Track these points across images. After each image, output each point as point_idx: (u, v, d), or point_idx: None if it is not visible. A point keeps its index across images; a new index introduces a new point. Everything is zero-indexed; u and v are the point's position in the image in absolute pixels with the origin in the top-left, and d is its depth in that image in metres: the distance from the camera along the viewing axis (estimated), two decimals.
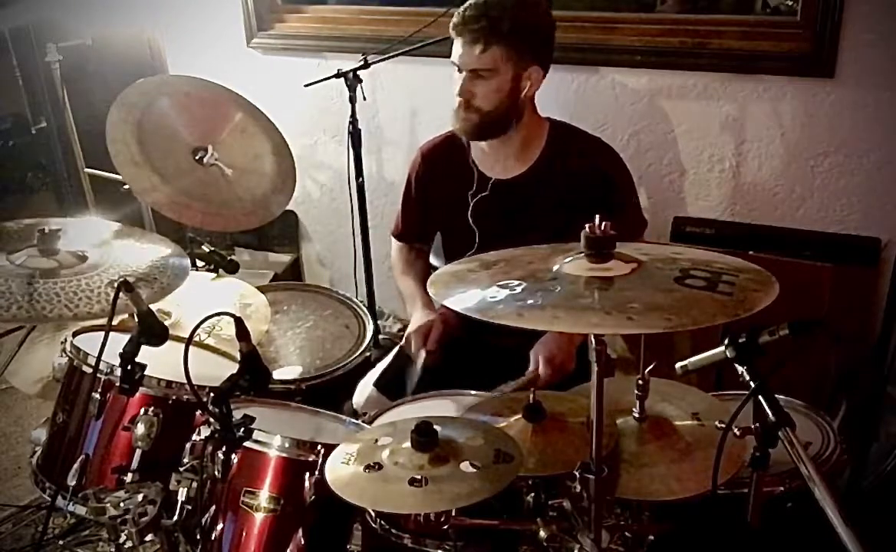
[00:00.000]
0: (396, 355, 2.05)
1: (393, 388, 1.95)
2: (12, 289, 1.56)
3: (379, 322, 3.05)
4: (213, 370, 1.58)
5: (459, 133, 2.02)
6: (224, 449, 1.44)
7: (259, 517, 1.48)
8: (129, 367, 1.43)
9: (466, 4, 1.93)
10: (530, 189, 2.05)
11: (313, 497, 1.47)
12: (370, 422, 1.71)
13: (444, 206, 2.16)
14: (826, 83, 2.32)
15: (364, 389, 1.97)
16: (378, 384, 1.96)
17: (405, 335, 2.05)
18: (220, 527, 1.51)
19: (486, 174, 2.08)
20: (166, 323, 1.73)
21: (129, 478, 1.60)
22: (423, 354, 1.97)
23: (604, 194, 1.99)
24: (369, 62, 2.57)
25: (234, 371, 1.42)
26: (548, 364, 1.89)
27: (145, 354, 1.45)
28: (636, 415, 1.47)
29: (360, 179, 2.68)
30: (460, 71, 1.95)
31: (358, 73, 2.57)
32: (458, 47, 1.93)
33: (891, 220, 2.36)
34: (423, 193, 2.21)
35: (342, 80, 2.57)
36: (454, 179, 2.12)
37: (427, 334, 2.00)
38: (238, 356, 1.42)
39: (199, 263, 2.25)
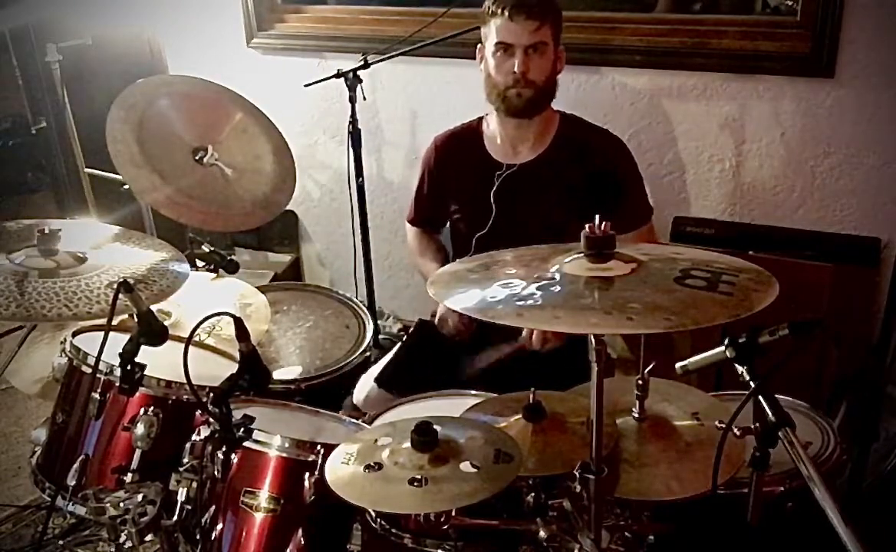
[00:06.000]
0: (398, 352, 2.06)
1: (395, 384, 1.96)
2: (11, 288, 1.56)
3: (379, 322, 3.05)
4: (213, 370, 1.58)
5: (511, 111, 2.07)
6: (224, 449, 1.44)
7: (259, 517, 1.48)
8: (128, 367, 1.43)
9: None
10: (540, 175, 2.11)
11: (313, 497, 1.47)
12: (370, 422, 1.71)
13: (462, 192, 2.21)
14: (826, 83, 2.32)
15: (365, 385, 1.98)
16: (379, 380, 1.97)
17: (438, 317, 2.09)
18: (219, 527, 1.51)
19: (499, 160, 2.14)
20: (166, 323, 1.73)
21: (128, 478, 1.60)
22: (459, 328, 2.02)
23: (611, 181, 2.07)
24: (369, 62, 2.57)
25: (234, 371, 1.42)
26: (542, 331, 1.92)
27: (145, 354, 1.45)
28: (636, 415, 1.47)
29: (360, 179, 2.68)
30: (506, 49, 2.01)
31: (358, 73, 2.57)
32: (510, 26, 1.99)
33: (891, 220, 2.36)
34: (437, 183, 2.27)
35: (342, 80, 2.57)
36: (472, 167, 2.18)
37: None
38: (238, 356, 1.42)
39: (199, 263, 2.25)
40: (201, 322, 1.37)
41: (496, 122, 2.15)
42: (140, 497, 1.55)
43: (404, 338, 2.13)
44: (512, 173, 2.13)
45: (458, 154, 2.23)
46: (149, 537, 1.55)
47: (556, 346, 1.94)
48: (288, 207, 2.44)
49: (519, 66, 2.00)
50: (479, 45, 2.11)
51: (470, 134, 2.22)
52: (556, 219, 2.00)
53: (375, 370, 2.02)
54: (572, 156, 2.11)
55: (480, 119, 2.22)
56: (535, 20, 1.99)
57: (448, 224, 2.30)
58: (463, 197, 2.22)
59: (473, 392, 1.80)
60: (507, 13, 1.99)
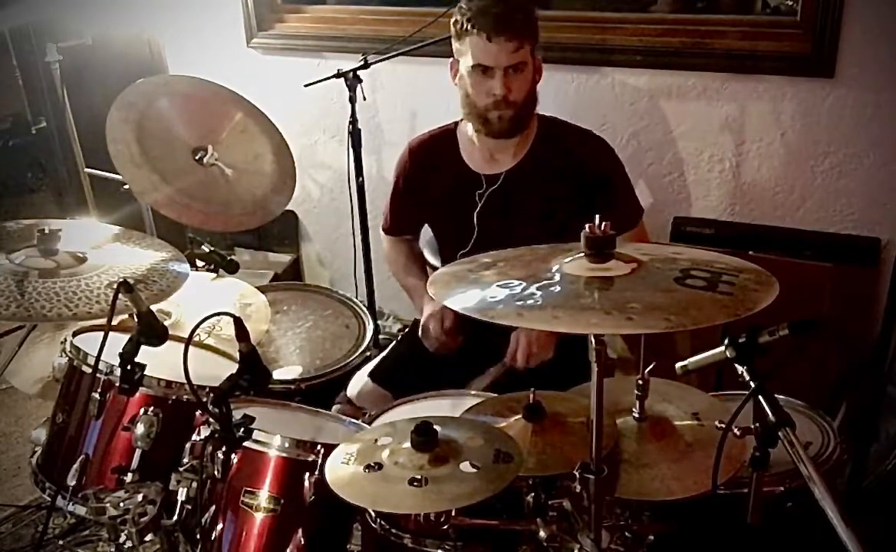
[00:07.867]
0: (394, 348, 2.06)
1: (389, 380, 1.95)
2: (11, 287, 1.56)
3: (379, 322, 3.04)
4: (213, 370, 1.58)
5: (494, 133, 1.98)
6: (224, 449, 1.44)
7: (259, 517, 1.48)
8: (128, 367, 1.43)
9: (482, 4, 1.90)
10: (520, 182, 2.04)
11: (313, 497, 1.47)
12: (370, 422, 1.71)
13: (438, 201, 2.15)
14: (826, 83, 2.32)
15: (359, 380, 1.97)
16: (373, 375, 1.97)
17: (421, 325, 2.04)
18: (219, 527, 1.51)
19: (477, 171, 2.07)
20: (166, 323, 1.73)
21: (129, 478, 1.60)
22: (441, 339, 1.98)
23: (594, 184, 1.99)
24: (369, 62, 2.57)
25: (234, 371, 1.42)
26: (526, 346, 1.89)
27: (145, 354, 1.45)
28: (636, 415, 1.47)
29: (360, 179, 2.68)
30: (485, 71, 1.91)
31: (358, 73, 2.57)
32: (489, 48, 1.89)
33: (891, 220, 2.36)
34: (411, 189, 2.20)
35: (342, 80, 2.57)
36: (448, 176, 2.11)
37: (442, 319, 2.00)
38: (238, 356, 1.42)
39: (199, 263, 2.25)
40: (201, 322, 1.37)
41: (473, 132, 2.04)
42: (140, 497, 1.55)
43: (400, 337, 2.12)
44: (494, 188, 2.04)
45: (433, 161, 2.14)
46: (149, 537, 1.55)
47: (544, 359, 1.90)
48: (288, 207, 2.44)
49: (500, 88, 1.90)
50: (452, 60, 2.00)
51: (445, 139, 2.11)
52: (543, 229, 1.93)
53: (371, 365, 2.02)
54: (554, 160, 2.02)
55: (457, 123, 2.13)
56: (515, 41, 1.88)
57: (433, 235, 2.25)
58: (440, 211, 2.15)
59: (473, 392, 1.80)
60: (484, 35, 1.88)
